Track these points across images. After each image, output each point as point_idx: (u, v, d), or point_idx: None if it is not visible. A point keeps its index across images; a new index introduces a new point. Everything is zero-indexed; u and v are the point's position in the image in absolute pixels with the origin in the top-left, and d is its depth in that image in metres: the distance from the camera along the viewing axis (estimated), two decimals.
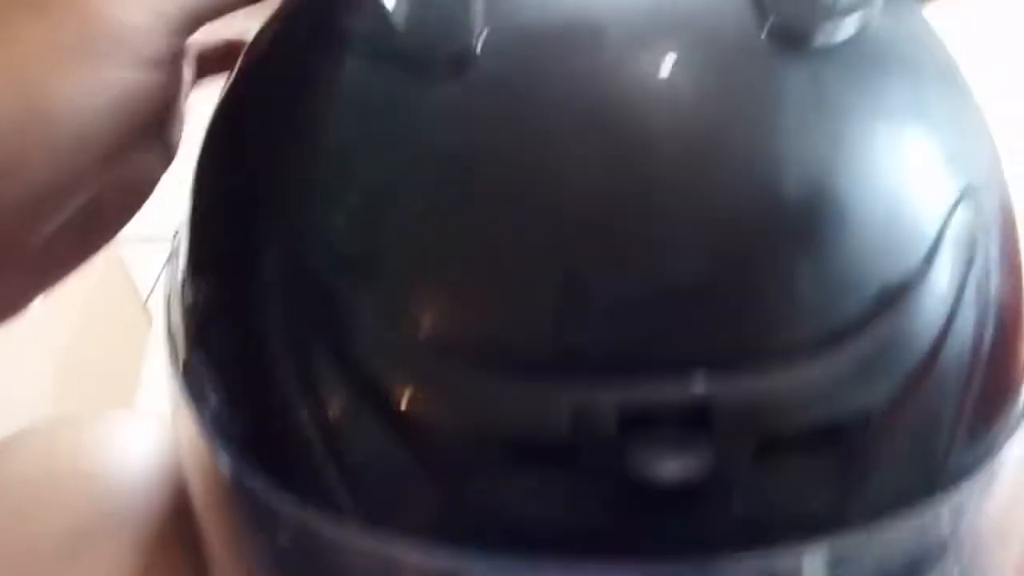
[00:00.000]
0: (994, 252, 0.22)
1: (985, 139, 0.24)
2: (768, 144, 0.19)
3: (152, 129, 0.23)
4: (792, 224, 0.19)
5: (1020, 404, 0.23)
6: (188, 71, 0.27)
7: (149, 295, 1.32)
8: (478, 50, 0.20)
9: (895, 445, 0.20)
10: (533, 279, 0.19)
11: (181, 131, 0.28)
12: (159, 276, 1.35)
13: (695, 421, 0.18)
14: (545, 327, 0.19)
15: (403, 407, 0.19)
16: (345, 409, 0.20)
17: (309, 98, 0.22)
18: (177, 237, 0.28)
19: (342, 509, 0.21)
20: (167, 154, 0.26)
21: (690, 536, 0.19)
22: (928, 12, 0.25)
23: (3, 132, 0.19)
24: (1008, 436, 0.22)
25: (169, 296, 0.27)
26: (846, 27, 0.21)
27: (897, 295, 0.19)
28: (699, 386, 0.18)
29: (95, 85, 0.19)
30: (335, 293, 0.20)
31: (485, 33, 0.20)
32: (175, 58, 0.21)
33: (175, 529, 0.37)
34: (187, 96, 0.29)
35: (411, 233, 0.20)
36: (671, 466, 0.18)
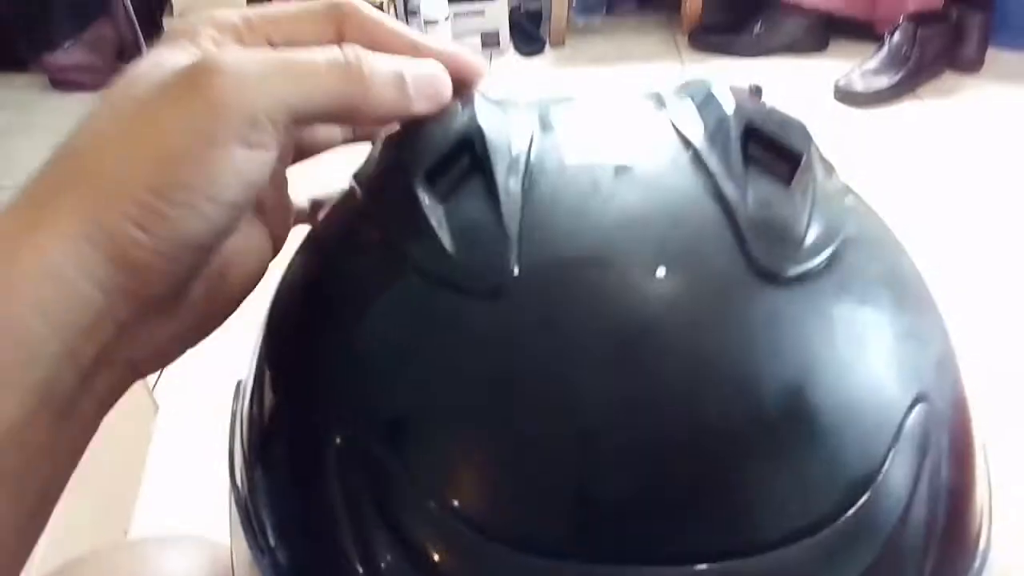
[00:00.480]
0: (944, 444, 0.26)
1: (938, 342, 0.28)
2: (752, 367, 0.24)
3: (262, 199, 0.28)
4: (773, 435, 0.23)
5: (974, 569, 0.27)
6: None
7: (155, 383, 1.35)
8: (514, 273, 0.25)
9: None
10: (557, 479, 0.23)
11: (288, 220, 0.33)
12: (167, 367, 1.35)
13: None
14: (568, 520, 0.23)
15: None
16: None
17: (371, 304, 0.27)
18: (242, 388, 0.32)
19: None
20: (276, 234, 0.32)
21: None
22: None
23: (151, 199, 0.24)
24: None
25: (234, 449, 0.31)
26: (816, 261, 0.26)
27: (861, 490, 0.23)
28: (704, 573, 0.22)
29: (227, 159, 0.25)
30: (392, 478, 0.24)
31: (519, 263, 0.25)
32: (284, 140, 0.26)
33: None
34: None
35: (464, 432, 0.24)
36: None
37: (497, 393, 0.24)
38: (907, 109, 2.09)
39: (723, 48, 2.32)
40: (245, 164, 0.25)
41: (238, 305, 0.30)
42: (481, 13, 2.43)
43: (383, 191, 0.29)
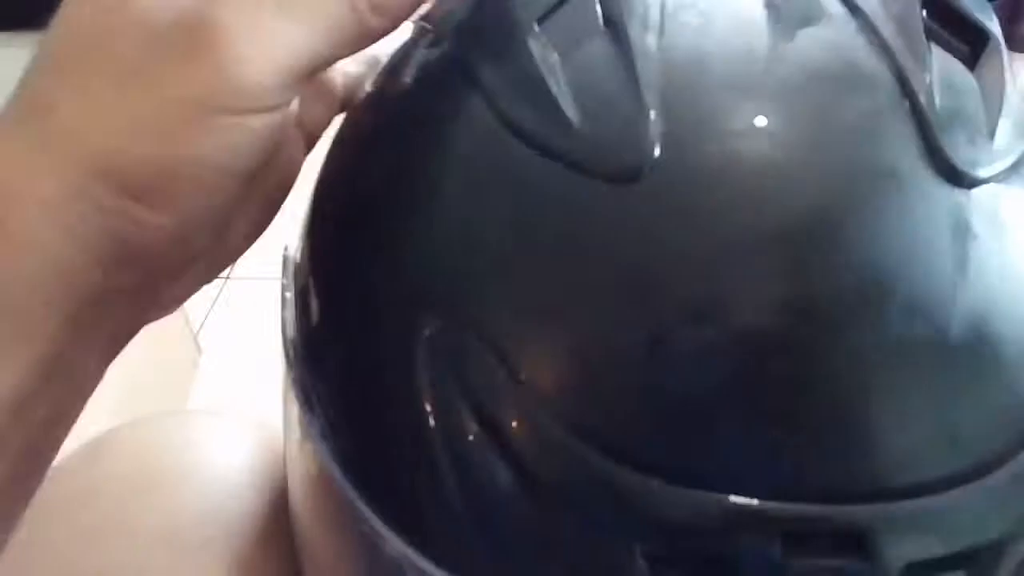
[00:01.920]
0: None
1: None
2: (935, 283, 0.20)
3: (271, 158, 0.24)
4: (957, 365, 0.20)
5: None
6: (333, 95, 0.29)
7: (199, 329, 1.35)
8: (655, 153, 0.21)
9: (1016, 568, 0.21)
10: (704, 392, 0.20)
11: (299, 154, 0.29)
12: (210, 310, 1.36)
13: (851, 545, 0.19)
14: (713, 445, 0.20)
15: (558, 498, 0.21)
16: (492, 485, 0.21)
17: (476, 181, 0.23)
18: (288, 262, 0.29)
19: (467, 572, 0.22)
20: (283, 181, 0.28)
21: None
22: None
23: (154, 178, 0.21)
24: None
25: (286, 322, 0.28)
26: (1007, 162, 0.22)
27: None
28: (858, 513, 0.19)
29: (228, 131, 0.22)
30: (494, 380, 0.21)
31: (661, 141, 0.21)
32: (289, 101, 0.23)
33: (269, 530, 0.38)
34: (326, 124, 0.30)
35: (582, 330, 0.21)
36: None
37: (626, 294, 0.21)
38: None
39: None
40: (260, 129, 0.22)
41: (265, 228, 0.28)
42: None
43: (481, 40, 0.24)
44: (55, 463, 0.25)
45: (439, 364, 0.22)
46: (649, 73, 0.22)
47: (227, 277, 1.43)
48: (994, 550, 0.20)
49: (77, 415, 0.25)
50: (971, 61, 0.23)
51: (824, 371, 0.20)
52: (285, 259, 0.30)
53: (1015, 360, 0.21)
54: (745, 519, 0.19)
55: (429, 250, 0.23)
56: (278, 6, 0.22)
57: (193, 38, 0.21)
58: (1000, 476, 0.20)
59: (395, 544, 0.23)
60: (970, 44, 0.24)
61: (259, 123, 0.22)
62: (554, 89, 0.22)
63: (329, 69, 0.25)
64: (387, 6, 0.23)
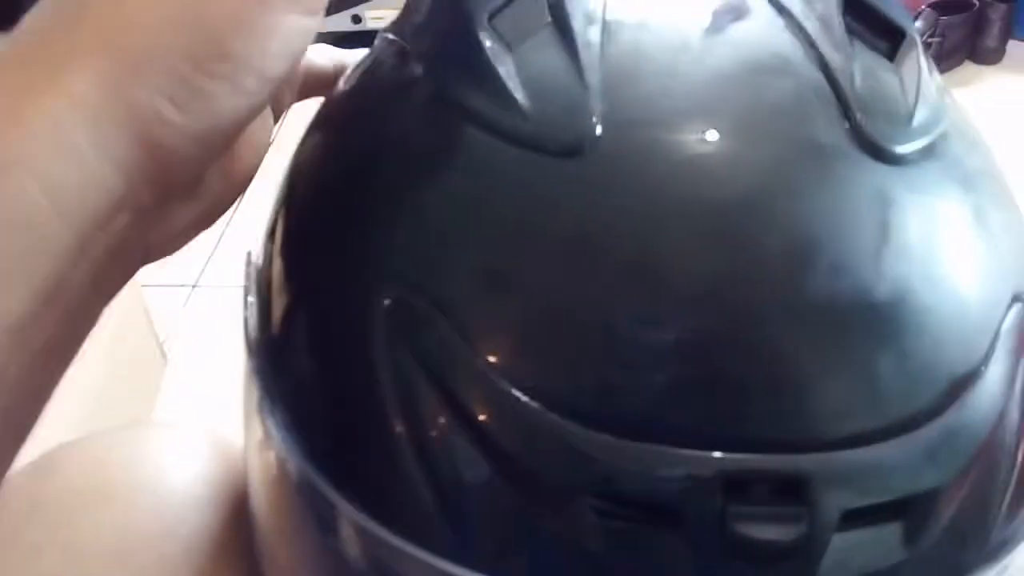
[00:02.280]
0: None
1: None
2: (859, 249, 0.22)
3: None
4: (881, 321, 0.21)
5: None
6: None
7: (165, 337, 1.34)
8: (596, 132, 0.22)
9: (952, 520, 0.22)
10: (647, 351, 0.21)
11: (295, 87, 0.30)
12: (175, 319, 1.36)
13: (791, 492, 0.20)
14: (660, 397, 0.21)
15: (513, 457, 0.21)
16: (450, 449, 0.22)
17: (429, 160, 0.24)
18: (251, 261, 0.30)
19: (432, 541, 0.22)
20: (280, 102, 0.29)
21: None
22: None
23: (188, 70, 0.20)
24: None
25: (248, 317, 0.29)
26: (924, 141, 0.24)
27: (962, 387, 0.22)
28: (797, 461, 0.20)
29: (276, 29, 0.21)
30: (447, 343, 0.22)
31: (601, 120, 0.22)
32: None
33: (229, 545, 0.37)
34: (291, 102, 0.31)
35: (532, 296, 0.22)
36: (769, 530, 0.20)
37: (571, 256, 0.22)
38: None
39: None
40: (297, 34, 0.22)
41: (248, 183, 0.28)
42: None
43: (437, 38, 0.26)
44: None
45: (395, 334, 0.23)
46: (591, 60, 0.23)
47: (193, 285, 1.42)
48: (927, 501, 0.21)
49: (73, 353, 0.23)
50: (890, 55, 0.25)
51: (757, 329, 0.21)
52: (248, 262, 0.30)
53: (938, 320, 0.22)
54: (688, 469, 0.20)
55: (387, 228, 0.24)
56: None
57: None
58: (930, 431, 0.21)
59: (359, 521, 0.23)
60: (889, 41, 0.26)
61: (301, 27, 0.22)
62: (503, 76, 0.23)
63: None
64: None
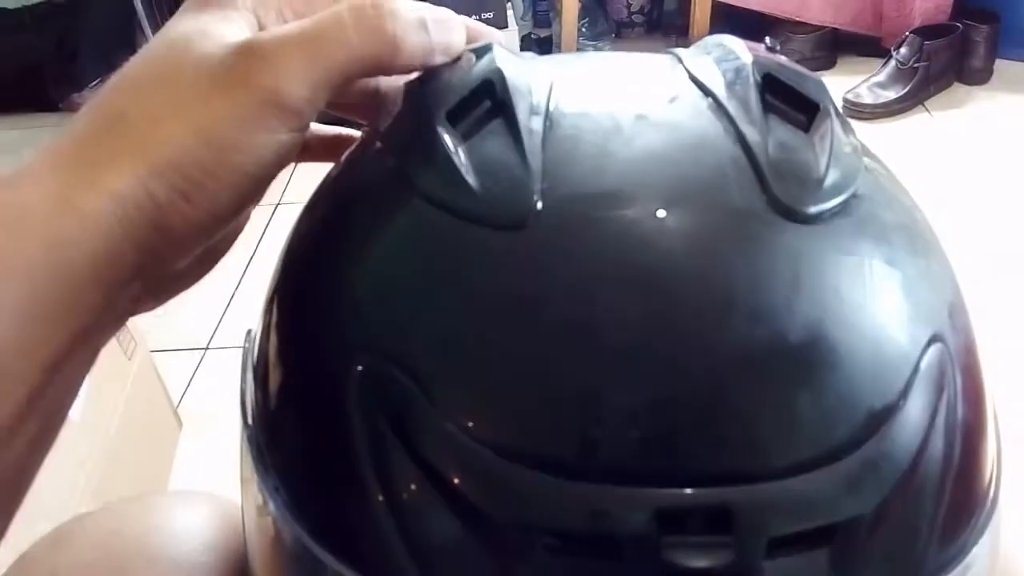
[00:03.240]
0: (958, 384, 0.26)
1: (949, 290, 0.29)
2: (774, 298, 0.24)
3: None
4: (796, 363, 0.24)
5: (984, 512, 0.28)
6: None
7: (180, 400, 1.37)
8: (537, 207, 0.25)
9: (880, 547, 0.24)
10: (587, 405, 0.24)
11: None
12: (188, 383, 1.39)
13: (719, 522, 0.22)
14: (594, 443, 0.23)
15: (468, 503, 0.24)
16: (417, 503, 0.25)
17: (390, 236, 0.28)
18: (251, 336, 0.33)
19: None
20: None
21: None
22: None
23: (199, 175, 0.26)
24: (975, 540, 0.27)
25: (245, 390, 0.32)
26: (835, 201, 0.26)
27: (881, 421, 0.24)
28: (723, 494, 0.23)
29: (267, 143, 0.27)
30: (413, 405, 0.25)
31: (542, 197, 0.26)
32: (307, 126, 0.28)
33: None
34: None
35: (482, 357, 0.25)
36: (701, 559, 0.22)
37: (518, 318, 0.25)
38: (916, 121, 2.10)
39: None
40: (287, 147, 0.27)
41: (230, 247, 0.33)
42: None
43: (402, 131, 0.30)
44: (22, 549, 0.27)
45: (367, 398, 0.26)
46: (534, 146, 0.27)
47: (205, 348, 1.45)
48: (852, 528, 0.23)
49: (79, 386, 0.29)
50: (806, 126, 0.28)
51: (683, 376, 0.24)
52: (247, 338, 0.34)
53: (852, 360, 0.24)
54: (625, 505, 0.23)
55: (357, 301, 0.28)
56: (308, 39, 0.27)
57: (245, 68, 0.27)
58: (850, 462, 0.23)
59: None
60: (805, 113, 0.29)
61: (287, 139, 0.27)
62: (457, 163, 0.27)
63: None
64: (404, 23, 0.28)
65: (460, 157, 0.27)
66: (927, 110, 2.14)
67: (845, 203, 0.27)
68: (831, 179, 0.27)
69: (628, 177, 0.26)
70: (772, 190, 0.26)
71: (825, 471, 0.23)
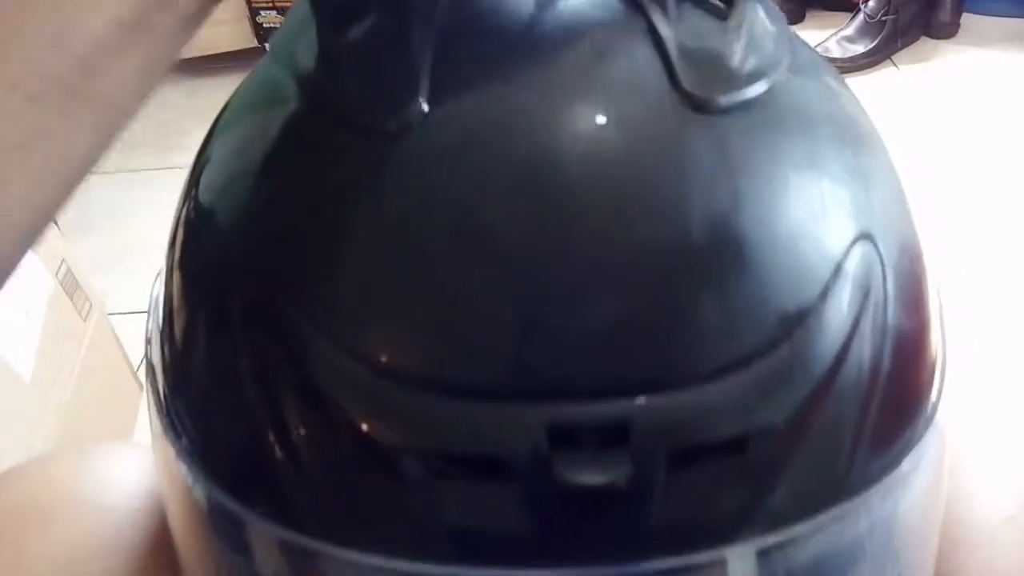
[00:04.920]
0: (891, 285, 0.25)
1: (886, 188, 0.27)
2: (678, 194, 0.22)
3: None
4: (699, 263, 0.22)
5: (923, 421, 0.26)
6: None
7: (139, 365, 1.34)
8: (422, 109, 0.23)
9: (798, 457, 0.22)
10: (469, 316, 0.22)
11: None
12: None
13: (615, 436, 0.21)
14: (482, 357, 0.21)
15: (358, 429, 0.22)
16: (307, 431, 0.23)
17: (267, 154, 0.26)
18: (155, 289, 0.31)
19: (305, 526, 0.23)
20: None
21: (613, 541, 0.21)
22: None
23: None
24: (911, 448, 0.25)
25: (150, 340, 0.30)
26: (751, 92, 0.24)
27: (795, 325, 0.22)
28: (618, 406, 0.21)
29: None
30: (296, 330, 0.23)
31: (428, 99, 0.24)
32: None
33: (161, 554, 0.38)
34: None
35: (363, 275, 0.23)
36: (593, 476, 0.20)
37: (395, 233, 0.23)
38: (884, 76, 2.10)
39: None
40: None
41: None
42: None
43: (288, 30, 0.28)
44: None
45: (253, 325, 0.24)
46: (424, 40, 0.25)
47: None
48: (765, 438, 0.22)
49: (157, 81, 0.25)
50: (726, 13, 0.26)
51: (577, 280, 0.21)
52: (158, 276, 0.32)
53: (761, 261, 0.22)
54: (512, 421, 0.21)
55: (238, 225, 0.26)
56: None
57: None
58: (759, 369, 0.22)
59: (232, 507, 0.25)
60: (727, 2, 0.26)
61: None
62: (345, 68, 0.25)
63: None
64: None
65: (344, 61, 0.25)
66: (895, 64, 2.13)
67: (765, 94, 0.25)
68: (747, 68, 0.25)
69: (526, 75, 0.24)
70: (680, 82, 0.24)
71: (732, 379, 0.21)
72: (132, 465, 0.43)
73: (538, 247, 0.22)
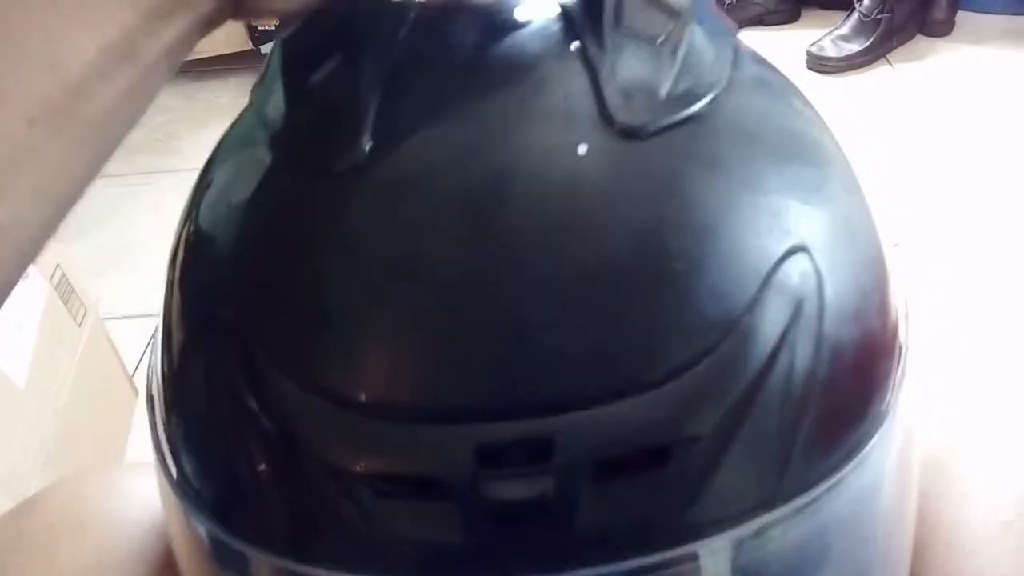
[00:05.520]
0: (830, 296, 0.25)
1: (833, 204, 0.27)
2: (602, 219, 0.23)
3: None
4: (621, 284, 0.23)
5: (868, 426, 0.26)
6: None
7: (135, 370, 1.35)
8: (366, 149, 0.25)
9: (724, 466, 0.23)
10: (407, 341, 0.23)
11: None
12: (144, 351, 1.37)
13: (540, 453, 0.22)
14: (420, 380, 0.23)
15: (309, 454, 0.23)
16: (262, 453, 0.24)
17: (231, 188, 0.28)
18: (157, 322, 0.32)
19: (278, 548, 0.24)
20: None
21: (542, 552, 0.22)
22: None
23: None
24: (855, 454, 0.26)
25: (149, 372, 0.31)
26: (681, 114, 0.25)
27: (719, 338, 0.23)
28: (541, 424, 0.22)
29: None
30: (251, 359, 0.24)
31: (372, 130, 0.25)
32: None
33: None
34: None
35: (311, 304, 0.24)
36: (520, 491, 0.22)
37: (334, 262, 0.24)
38: (879, 74, 2.10)
39: None
40: None
41: None
42: None
43: (263, 73, 0.29)
44: None
45: (221, 352, 0.25)
46: (372, 87, 0.26)
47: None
48: (687, 450, 0.22)
49: (144, 107, 0.26)
50: (660, 37, 0.27)
51: (502, 301, 0.23)
52: None
53: (683, 278, 0.23)
54: (442, 442, 0.22)
55: (207, 255, 0.28)
56: None
57: None
58: (682, 382, 0.22)
59: (207, 528, 0.26)
60: (662, 22, 0.27)
61: None
62: (302, 111, 0.27)
63: None
64: None
65: (302, 104, 0.27)
66: (889, 63, 2.13)
67: (697, 115, 0.25)
68: (678, 91, 0.25)
69: (465, 112, 0.25)
70: (611, 111, 0.24)
71: (653, 393, 0.22)
72: (153, 483, 0.46)
73: (465, 276, 0.23)
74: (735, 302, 0.23)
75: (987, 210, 1.60)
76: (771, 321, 0.24)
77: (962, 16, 2.20)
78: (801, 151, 0.28)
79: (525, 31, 0.28)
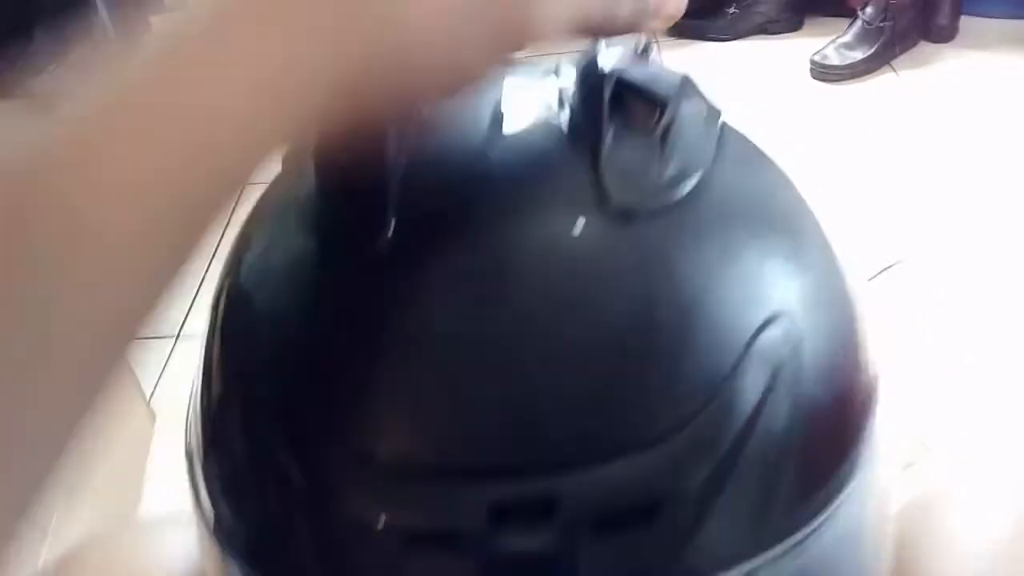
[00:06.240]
0: (807, 360, 0.28)
1: (809, 270, 0.30)
2: (601, 297, 0.26)
3: None
4: (616, 356, 0.26)
5: (843, 476, 0.29)
6: None
7: (152, 393, 1.37)
8: (390, 231, 0.27)
9: (713, 519, 0.26)
10: (427, 408, 0.26)
11: None
12: (161, 373, 1.37)
13: (545, 509, 0.24)
14: (439, 445, 0.26)
15: (339, 510, 0.26)
16: (298, 512, 0.27)
17: (270, 259, 0.31)
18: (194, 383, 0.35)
19: None
20: None
21: None
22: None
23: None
24: (832, 500, 0.28)
25: (187, 427, 0.34)
26: (672, 195, 0.28)
27: (704, 404, 0.26)
28: (547, 484, 0.25)
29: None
30: (293, 426, 0.27)
31: (395, 218, 0.27)
32: None
33: None
34: None
35: (338, 376, 0.27)
36: (528, 544, 0.24)
37: (367, 336, 0.27)
38: (884, 82, 2.11)
39: (699, 32, 2.33)
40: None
41: None
42: None
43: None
44: None
45: (258, 412, 0.28)
46: (393, 179, 0.28)
47: (176, 336, 1.46)
48: (676, 505, 0.25)
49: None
50: (653, 124, 0.29)
51: (510, 369, 0.26)
52: None
53: (672, 348, 0.26)
54: (458, 501, 0.25)
55: (246, 328, 0.30)
56: None
57: None
58: (672, 444, 0.25)
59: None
60: (652, 111, 0.29)
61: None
62: (321, 194, 0.29)
63: None
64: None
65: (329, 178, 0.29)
66: (894, 70, 2.14)
67: (686, 196, 0.28)
68: (669, 174, 0.28)
69: (479, 202, 0.28)
70: (610, 198, 0.27)
71: (645, 455, 0.25)
72: (179, 540, 0.48)
73: (477, 350, 0.26)
74: (717, 370, 0.26)
75: (993, 215, 1.61)
76: (751, 386, 0.26)
77: (965, 21, 2.21)
78: (779, 221, 0.31)
79: (530, 121, 0.31)
